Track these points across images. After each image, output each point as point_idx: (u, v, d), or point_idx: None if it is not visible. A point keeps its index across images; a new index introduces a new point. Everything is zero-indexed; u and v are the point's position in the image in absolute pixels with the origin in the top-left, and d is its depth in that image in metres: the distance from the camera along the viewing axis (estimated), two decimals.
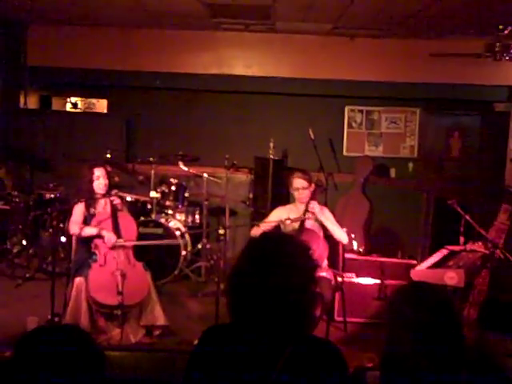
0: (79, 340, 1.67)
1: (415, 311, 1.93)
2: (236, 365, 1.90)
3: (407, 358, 1.90)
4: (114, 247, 4.96)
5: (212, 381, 1.92)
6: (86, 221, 5.15)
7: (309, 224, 5.21)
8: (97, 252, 5.00)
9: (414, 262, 5.85)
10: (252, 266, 1.96)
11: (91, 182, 5.16)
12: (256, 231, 5.19)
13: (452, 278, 4.29)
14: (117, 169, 6.88)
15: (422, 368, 1.87)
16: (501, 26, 6.17)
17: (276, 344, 1.91)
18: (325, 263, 5.21)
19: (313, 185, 5.29)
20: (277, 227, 5.28)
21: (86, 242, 5.13)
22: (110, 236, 4.96)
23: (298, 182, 5.25)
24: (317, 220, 5.22)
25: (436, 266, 4.62)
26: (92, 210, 5.20)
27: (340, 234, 5.21)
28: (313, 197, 5.25)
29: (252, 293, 1.93)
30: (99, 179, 5.15)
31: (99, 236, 5.00)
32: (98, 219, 5.10)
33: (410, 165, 8.49)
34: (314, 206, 5.17)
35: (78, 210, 5.17)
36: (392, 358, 1.96)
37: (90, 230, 5.05)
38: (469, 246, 4.73)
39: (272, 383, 1.84)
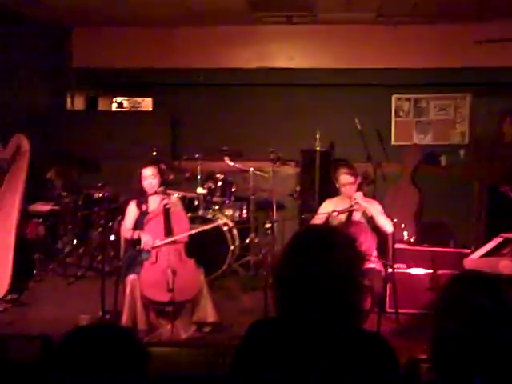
0: (121, 338, 1.64)
1: (467, 297, 1.85)
2: (282, 359, 1.86)
3: (457, 347, 1.82)
4: (154, 247, 4.96)
5: (258, 375, 1.88)
6: (139, 219, 5.19)
7: (356, 216, 5.15)
8: (149, 250, 5.02)
9: (467, 250, 5.69)
10: (297, 258, 1.92)
11: (140, 181, 5.18)
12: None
13: (507, 266, 4.15)
14: (167, 166, 6.91)
15: (473, 356, 1.79)
16: None
17: (323, 337, 1.86)
18: (374, 254, 5.12)
19: (359, 178, 5.22)
20: (326, 221, 5.22)
21: (136, 241, 5.16)
22: (146, 240, 4.97)
23: (345, 179, 5.20)
24: (364, 212, 5.14)
25: (490, 254, 4.49)
26: (144, 208, 5.22)
27: (384, 222, 5.11)
28: (358, 189, 5.19)
29: (297, 285, 1.89)
30: (147, 179, 5.17)
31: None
32: (150, 217, 5.12)
33: (461, 152, 8.29)
34: (357, 195, 5.11)
35: (130, 210, 5.23)
36: (442, 347, 1.88)
37: (134, 235, 5.09)
38: None
39: (319, 377, 1.79)
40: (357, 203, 5.11)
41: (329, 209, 5.25)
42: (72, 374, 1.54)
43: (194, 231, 5.29)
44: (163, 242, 4.98)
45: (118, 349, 1.60)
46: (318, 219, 5.25)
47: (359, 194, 5.14)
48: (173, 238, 5.02)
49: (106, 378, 1.54)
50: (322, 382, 1.80)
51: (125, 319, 4.76)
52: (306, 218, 5.90)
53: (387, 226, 5.14)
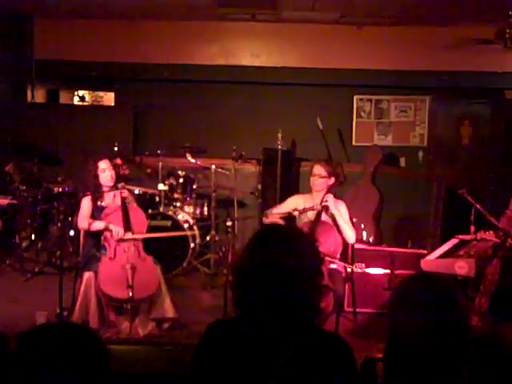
0: (82, 338, 1.63)
1: (418, 299, 1.90)
2: (241, 359, 1.88)
3: (410, 347, 1.86)
4: (122, 240, 4.93)
5: (217, 375, 1.89)
6: (95, 214, 5.12)
7: (324, 217, 5.13)
8: (106, 245, 4.98)
9: (425, 251, 5.79)
10: (256, 257, 1.94)
11: (96, 175, 5.13)
12: (269, 215, 5.16)
13: (462, 267, 4.24)
14: (125, 162, 6.85)
15: (425, 356, 1.83)
16: (510, 12, 6.09)
17: (282, 337, 1.88)
18: (338, 256, 5.15)
19: (332, 178, 5.19)
20: (292, 218, 5.23)
21: (95, 236, 5.11)
22: (117, 229, 4.93)
23: (317, 169, 5.18)
24: (331, 214, 5.15)
25: (446, 255, 4.58)
26: (100, 203, 5.17)
27: (348, 233, 5.11)
28: (329, 190, 5.18)
29: (257, 284, 1.91)
30: (105, 171, 5.12)
31: (108, 229, 4.98)
32: (107, 212, 5.07)
33: (420, 154, 8.42)
34: (329, 198, 5.10)
35: (86, 203, 5.15)
36: (395, 346, 1.92)
37: (98, 224, 5.03)
38: (479, 235, 4.67)
39: (278, 376, 1.82)
40: (326, 207, 5.11)
41: (298, 203, 5.23)
42: (31, 374, 1.53)
43: (162, 234, 5.28)
44: (133, 236, 4.96)
45: (80, 348, 1.59)
46: (279, 209, 5.27)
47: (331, 199, 5.11)
48: (141, 236, 5.00)
49: (68, 378, 1.53)
50: (281, 381, 1.82)
51: (75, 316, 4.71)
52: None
53: (350, 237, 5.15)
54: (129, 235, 4.95)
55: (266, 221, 5.19)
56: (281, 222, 5.05)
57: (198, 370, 1.97)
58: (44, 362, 1.53)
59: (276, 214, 5.19)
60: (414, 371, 1.83)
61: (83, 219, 5.11)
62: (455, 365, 1.85)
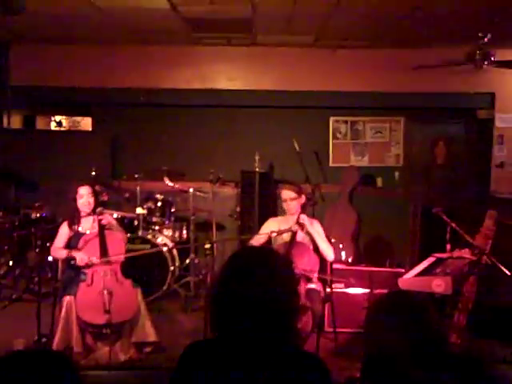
0: (56, 364, 1.63)
1: (389, 318, 1.93)
2: (218, 380, 1.88)
3: (385, 364, 1.89)
4: (90, 265, 4.91)
5: None
6: (73, 240, 5.12)
7: (299, 237, 5.17)
8: (86, 271, 4.96)
9: (402, 270, 5.85)
10: (233, 279, 1.96)
11: (75, 200, 5.13)
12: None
13: (439, 285, 4.29)
14: (103, 186, 6.85)
15: (401, 374, 1.86)
16: (480, 34, 6.22)
17: (259, 358, 1.89)
18: (315, 276, 5.18)
19: (303, 196, 5.26)
20: (267, 240, 5.26)
21: (74, 261, 5.09)
22: (80, 256, 4.91)
23: (286, 194, 5.24)
24: (307, 233, 5.19)
25: (423, 273, 4.62)
26: (77, 229, 5.16)
27: (327, 250, 5.17)
28: (303, 210, 5.23)
29: (233, 306, 1.92)
30: (82, 197, 5.12)
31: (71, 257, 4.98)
32: (86, 238, 5.06)
33: (396, 174, 8.52)
34: (304, 218, 5.15)
35: (62, 231, 5.17)
36: (371, 364, 1.95)
37: (62, 253, 5.05)
38: (456, 253, 4.73)
39: None
40: (302, 225, 5.14)
41: (271, 227, 5.28)
42: None
43: (134, 253, 5.27)
44: (100, 260, 4.93)
45: (52, 375, 1.58)
46: (258, 239, 5.29)
47: (306, 219, 5.15)
48: (108, 259, 4.98)
49: None
50: None
51: (56, 341, 4.68)
52: (247, 239, 5.94)
53: (329, 254, 5.18)
54: (95, 260, 4.92)
55: None
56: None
57: None
58: None
59: (256, 244, 5.21)
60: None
61: (56, 248, 5.14)
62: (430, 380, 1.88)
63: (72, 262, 5.01)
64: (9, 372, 1.57)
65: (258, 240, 5.28)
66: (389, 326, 1.91)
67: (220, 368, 1.90)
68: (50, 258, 6.68)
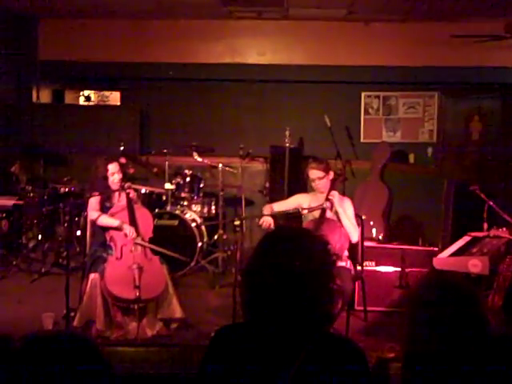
0: (77, 348, 1.57)
1: (439, 304, 1.83)
2: (250, 366, 1.80)
3: (430, 352, 1.81)
4: (134, 243, 4.88)
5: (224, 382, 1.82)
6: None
7: (329, 214, 5.06)
8: (112, 245, 4.93)
9: (436, 249, 5.71)
10: (267, 261, 1.85)
11: (106, 178, 5.09)
12: (267, 210, 5.07)
13: (476, 265, 4.16)
14: (131, 161, 6.82)
15: (445, 360, 1.77)
16: None
17: (292, 344, 1.80)
18: (345, 253, 5.08)
19: (330, 173, 5.13)
20: (297, 217, 5.16)
21: (101, 236, 5.07)
22: (131, 230, 4.89)
23: (313, 173, 5.10)
24: (335, 211, 5.08)
25: (459, 253, 4.50)
26: (107, 204, 5.13)
27: (351, 230, 5.00)
28: (333, 185, 5.11)
29: (267, 289, 1.81)
30: (114, 175, 5.08)
31: (115, 229, 4.93)
32: (113, 212, 5.03)
33: (430, 150, 8.35)
34: (335, 195, 5.03)
35: (94, 200, 5.12)
36: (414, 351, 1.86)
37: (111, 221, 4.98)
38: (492, 232, 4.60)
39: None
40: (332, 203, 5.03)
41: (300, 201, 5.16)
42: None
43: (167, 252, 5.19)
44: (144, 243, 4.90)
45: (75, 359, 1.53)
46: (281, 205, 5.18)
47: (336, 196, 5.04)
48: (150, 246, 4.94)
49: None
50: None
51: (78, 317, 4.70)
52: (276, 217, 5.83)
53: (353, 235, 5.03)
54: (138, 240, 4.89)
55: (264, 212, 5.08)
56: (270, 218, 4.95)
57: (204, 378, 1.90)
58: (39, 374, 1.48)
59: (277, 210, 5.11)
60: (433, 376, 1.78)
61: (94, 211, 5.08)
62: (473, 367, 1.79)
63: (107, 238, 4.97)
64: (30, 360, 1.52)
65: (281, 207, 5.16)
66: (436, 313, 1.82)
67: (252, 353, 1.82)
68: (78, 233, 6.70)
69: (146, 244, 4.97)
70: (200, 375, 1.91)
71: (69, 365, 1.50)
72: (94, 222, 5.12)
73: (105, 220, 5.01)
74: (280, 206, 5.18)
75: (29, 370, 1.49)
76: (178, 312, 4.93)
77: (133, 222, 4.97)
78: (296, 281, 1.79)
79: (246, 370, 1.80)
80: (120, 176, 5.10)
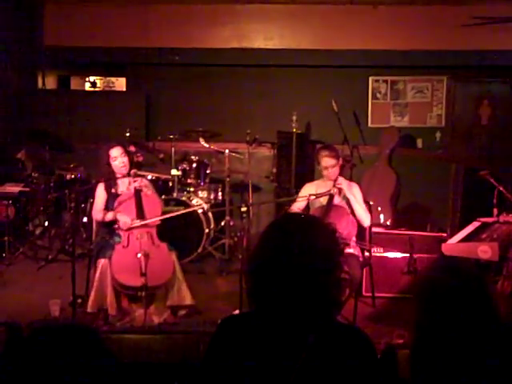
0: (81, 339, 1.56)
1: (448, 290, 1.80)
2: (257, 354, 1.77)
3: (439, 338, 1.77)
4: (130, 228, 4.85)
5: (232, 372, 1.79)
6: (109, 201, 5.06)
7: (337, 200, 5.03)
8: (120, 233, 4.90)
9: (444, 234, 5.67)
10: (273, 249, 1.82)
11: (109, 164, 5.05)
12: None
13: (486, 251, 4.11)
14: (137, 147, 6.79)
15: (454, 347, 1.74)
16: None
17: (299, 332, 1.77)
18: (353, 240, 5.04)
19: (340, 159, 5.10)
20: (306, 204, 5.13)
21: (108, 223, 5.04)
22: (124, 219, 4.86)
23: (326, 161, 5.04)
24: (344, 197, 5.04)
25: (468, 239, 4.45)
26: (114, 191, 5.10)
27: (363, 216, 5.01)
28: (340, 172, 5.08)
29: (274, 278, 1.78)
30: (116, 159, 5.03)
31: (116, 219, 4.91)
32: (121, 200, 5.00)
33: (438, 134, 8.28)
34: (342, 181, 5.00)
35: (100, 192, 5.10)
36: (423, 337, 1.83)
37: (108, 216, 4.97)
38: (502, 218, 4.54)
39: (296, 373, 1.71)
40: (340, 188, 4.99)
41: (309, 192, 5.12)
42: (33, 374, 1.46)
43: (169, 215, 5.19)
44: (141, 222, 4.87)
45: (80, 352, 1.52)
46: (298, 205, 5.15)
47: (344, 182, 5.01)
48: (149, 221, 4.91)
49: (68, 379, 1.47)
50: (301, 377, 1.72)
51: (90, 304, 4.68)
52: (283, 203, 5.82)
53: (365, 219, 5.03)
54: (136, 222, 4.86)
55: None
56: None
57: (210, 366, 1.87)
58: (43, 365, 1.48)
59: (299, 205, 5.10)
60: (443, 362, 1.74)
61: (97, 211, 5.06)
62: (483, 353, 1.76)
63: (115, 226, 4.95)
64: (35, 350, 1.52)
65: (298, 206, 5.14)
66: (446, 300, 1.78)
67: (259, 341, 1.79)
68: (84, 220, 6.68)
69: (145, 221, 4.90)
70: (205, 363, 1.89)
71: (72, 356, 1.50)
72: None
73: (105, 217, 4.99)
74: (297, 206, 5.14)
75: (35, 360, 1.49)
76: (187, 299, 4.91)
77: (139, 209, 4.94)
78: (302, 269, 1.76)
79: (252, 359, 1.77)
80: (124, 160, 5.05)
